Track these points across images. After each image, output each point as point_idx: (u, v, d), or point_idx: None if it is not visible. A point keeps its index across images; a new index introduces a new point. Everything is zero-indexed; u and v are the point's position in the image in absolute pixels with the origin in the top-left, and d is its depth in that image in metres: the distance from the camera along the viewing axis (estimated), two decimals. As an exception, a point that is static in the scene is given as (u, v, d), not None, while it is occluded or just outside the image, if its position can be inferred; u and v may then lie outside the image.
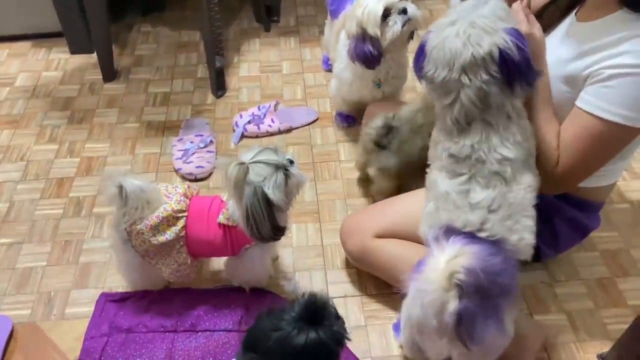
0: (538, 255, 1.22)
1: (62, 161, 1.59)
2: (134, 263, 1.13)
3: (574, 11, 1.02)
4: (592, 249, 1.36)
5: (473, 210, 0.88)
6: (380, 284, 1.26)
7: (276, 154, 1.02)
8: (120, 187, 1.03)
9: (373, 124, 1.27)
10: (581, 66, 0.93)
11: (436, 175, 0.95)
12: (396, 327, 1.16)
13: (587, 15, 0.97)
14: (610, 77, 0.88)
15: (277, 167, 1.00)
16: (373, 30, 1.29)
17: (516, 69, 0.84)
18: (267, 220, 1.01)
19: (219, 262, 1.29)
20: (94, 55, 1.94)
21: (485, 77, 0.84)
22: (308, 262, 1.33)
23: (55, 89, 1.84)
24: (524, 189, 0.90)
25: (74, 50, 1.98)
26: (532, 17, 0.97)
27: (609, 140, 0.92)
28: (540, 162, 0.96)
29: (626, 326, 1.05)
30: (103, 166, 1.58)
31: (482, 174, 0.89)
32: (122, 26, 2.14)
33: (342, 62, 1.45)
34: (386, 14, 1.28)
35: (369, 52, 1.32)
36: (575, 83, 0.94)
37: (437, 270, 0.80)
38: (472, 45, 0.84)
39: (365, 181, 1.49)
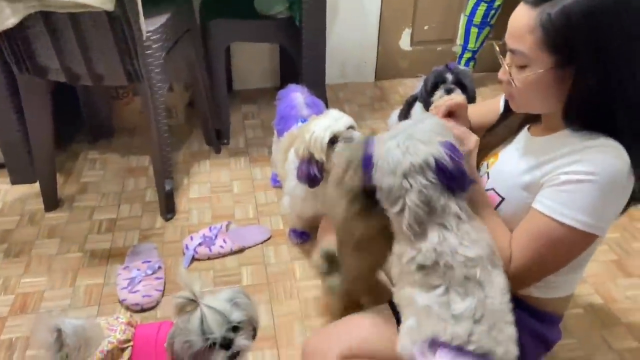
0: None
1: (-6, 299, 1.47)
2: (70, 415, 1.00)
3: (526, 127, 1.10)
4: (555, 359, 1.34)
5: (458, 321, 0.87)
6: (346, 415, 1.17)
7: (225, 324, 0.92)
8: (59, 331, 0.95)
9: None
10: (539, 174, 0.98)
11: (410, 292, 0.93)
12: None
13: (540, 132, 1.04)
14: (566, 182, 0.92)
15: (204, 335, 0.91)
16: (319, 155, 1.34)
17: (450, 177, 0.89)
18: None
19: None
20: (36, 185, 1.89)
21: (424, 182, 0.89)
22: (267, 395, 1.24)
23: (-9, 222, 1.76)
24: (500, 292, 0.90)
25: (15, 181, 1.93)
26: (464, 127, 1.05)
27: (564, 244, 0.94)
28: None
29: None
30: (40, 302, 1.46)
31: (457, 281, 0.88)
32: (68, 154, 2.12)
33: (293, 179, 1.48)
34: (333, 140, 1.34)
35: (312, 174, 1.37)
36: (534, 189, 0.99)
37: None
38: (410, 154, 0.90)
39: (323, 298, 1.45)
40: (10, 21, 1.36)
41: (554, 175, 0.95)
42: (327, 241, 1.30)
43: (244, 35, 2.16)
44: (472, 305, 0.87)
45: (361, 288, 1.29)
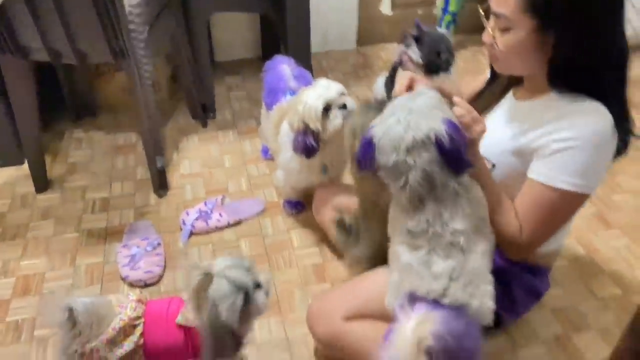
0: (499, 322, 1.26)
1: (-5, 283, 1.47)
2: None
3: (510, 92, 1.13)
4: (544, 308, 1.41)
5: (435, 279, 0.91)
6: (351, 373, 1.23)
7: (247, 271, 0.98)
8: (70, 310, 0.97)
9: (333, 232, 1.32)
10: (527, 140, 1.02)
11: (397, 248, 0.98)
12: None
13: (525, 96, 1.08)
14: (557, 151, 0.97)
15: (240, 288, 0.96)
16: (315, 125, 1.36)
17: (448, 157, 0.89)
18: (231, 344, 0.99)
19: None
20: (24, 166, 1.88)
21: (426, 157, 0.89)
22: (274, 358, 1.29)
23: (-18, 206, 1.74)
24: (480, 256, 0.95)
25: (2, 164, 1.90)
26: (476, 113, 0.99)
27: (564, 207, 1.01)
28: (504, 233, 1.03)
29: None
30: (42, 283, 1.47)
31: (441, 246, 0.92)
32: (52, 134, 2.09)
33: (288, 152, 1.49)
34: (327, 108, 1.36)
35: (310, 145, 1.39)
36: (524, 155, 1.03)
37: (406, 337, 0.81)
38: (412, 129, 0.90)
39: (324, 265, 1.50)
40: (-10, 1, 1.32)
41: (544, 142, 0.99)
42: (340, 211, 1.33)
43: (226, 6, 2.13)
44: (451, 267, 0.92)
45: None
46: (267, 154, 1.94)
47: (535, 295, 1.27)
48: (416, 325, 0.83)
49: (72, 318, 0.98)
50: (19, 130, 1.73)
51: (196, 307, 0.97)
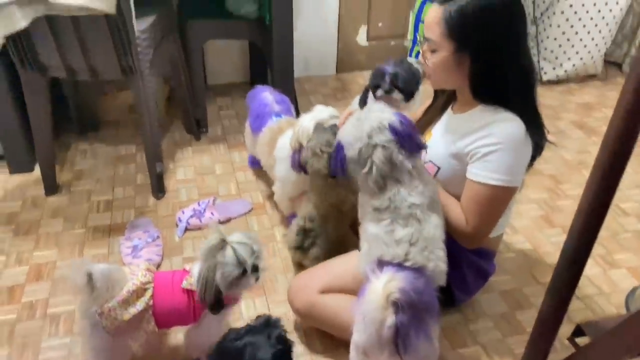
0: (454, 300, 1.48)
1: (11, 270, 1.65)
2: (103, 346, 1.22)
3: (450, 107, 1.39)
4: (492, 291, 1.64)
5: (398, 244, 1.12)
6: (326, 342, 1.43)
7: (252, 254, 1.18)
8: (90, 275, 1.17)
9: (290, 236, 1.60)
10: (462, 145, 1.26)
11: (366, 225, 1.19)
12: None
13: (460, 109, 1.33)
14: (486, 154, 1.20)
15: (240, 264, 1.17)
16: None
17: (402, 138, 1.13)
18: (212, 293, 1.18)
19: (176, 339, 1.41)
20: (33, 173, 2.08)
21: (383, 138, 1.13)
22: (259, 330, 1.48)
23: (-3, 206, 1.93)
24: (434, 227, 1.16)
25: (13, 170, 2.10)
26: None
27: (498, 199, 1.23)
28: (454, 227, 1.25)
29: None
30: (53, 270, 1.66)
31: (401, 216, 1.14)
32: (59, 146, 2.29)
33: (283, 165, 1.67)
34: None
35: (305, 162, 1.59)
36: (461, 158, 1.27)
37: (376, 293, 1.01)
38: (369, 120, 1.15)
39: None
40: (21, 24, 1.55)
41: (474, 148, 1.23)
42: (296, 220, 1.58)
43: (219, 33, 2.39)
44: (410, 232, 1.13)
45: (339, 248, 1.55)
46: (253, 164, 2.17)
47: (484, 275, 1.50)
48: (385, 283, 1.02)
49: (91, 282, 1.18)
50: (35, 139, 1.94)
51: (202, 262, 1.18)
